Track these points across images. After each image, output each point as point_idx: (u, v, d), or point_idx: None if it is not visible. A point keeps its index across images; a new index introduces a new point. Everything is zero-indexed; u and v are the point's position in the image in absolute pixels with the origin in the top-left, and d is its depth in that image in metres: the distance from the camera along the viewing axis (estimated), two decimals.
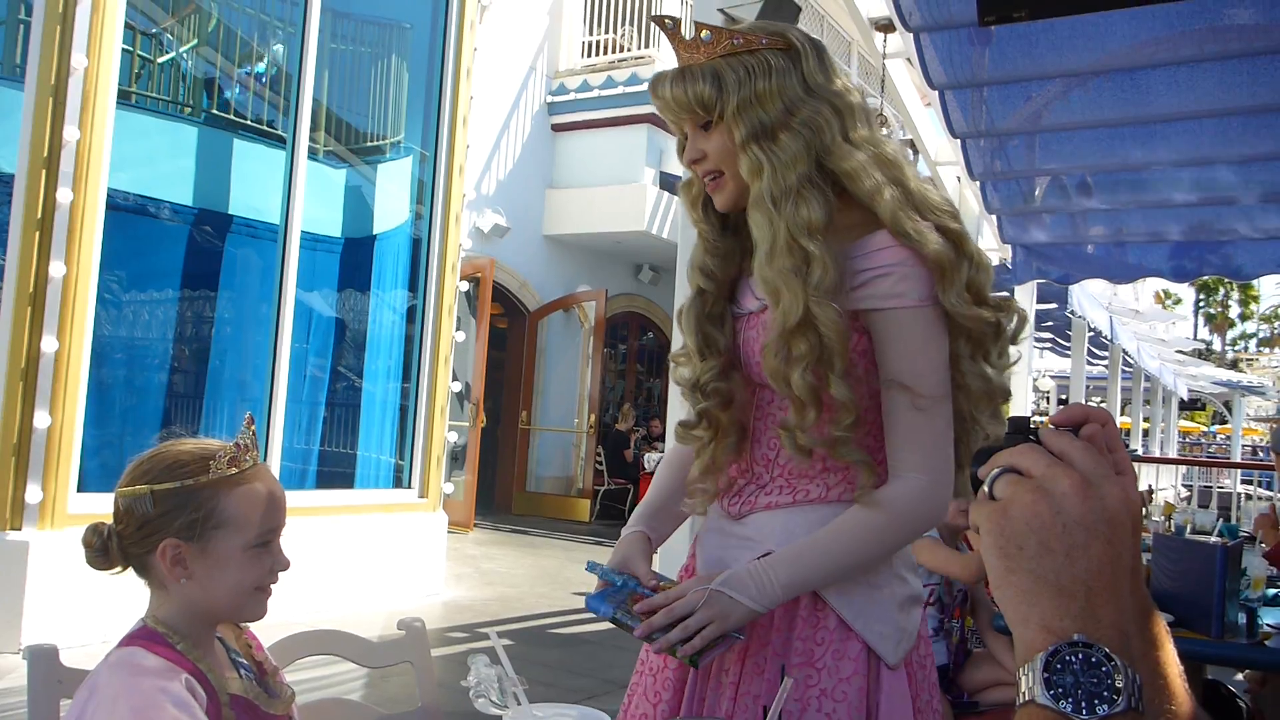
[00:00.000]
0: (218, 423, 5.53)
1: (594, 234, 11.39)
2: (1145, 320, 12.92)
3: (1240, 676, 4.11)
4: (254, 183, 5.82)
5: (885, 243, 1.34)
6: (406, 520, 6.20)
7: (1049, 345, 14.05)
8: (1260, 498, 12.48)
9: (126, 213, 5.09)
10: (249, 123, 5.94)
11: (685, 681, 1.45)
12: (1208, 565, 2.65)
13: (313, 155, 5.92)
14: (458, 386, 7.19)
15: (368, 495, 6.19)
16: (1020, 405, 7.01)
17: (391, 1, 6.86)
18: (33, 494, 4.41)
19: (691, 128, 1.42)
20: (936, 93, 4.10)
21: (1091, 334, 10.52)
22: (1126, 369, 14.78)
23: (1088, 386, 14.43)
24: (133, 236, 5.17)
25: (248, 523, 1.23)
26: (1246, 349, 44.48)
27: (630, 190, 10.98)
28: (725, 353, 1.46)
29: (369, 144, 6.69)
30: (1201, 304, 43.74)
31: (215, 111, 5.99)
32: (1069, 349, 11.80)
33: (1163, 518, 4.72)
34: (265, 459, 5.01)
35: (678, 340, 1.64)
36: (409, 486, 6.40)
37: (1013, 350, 1.44)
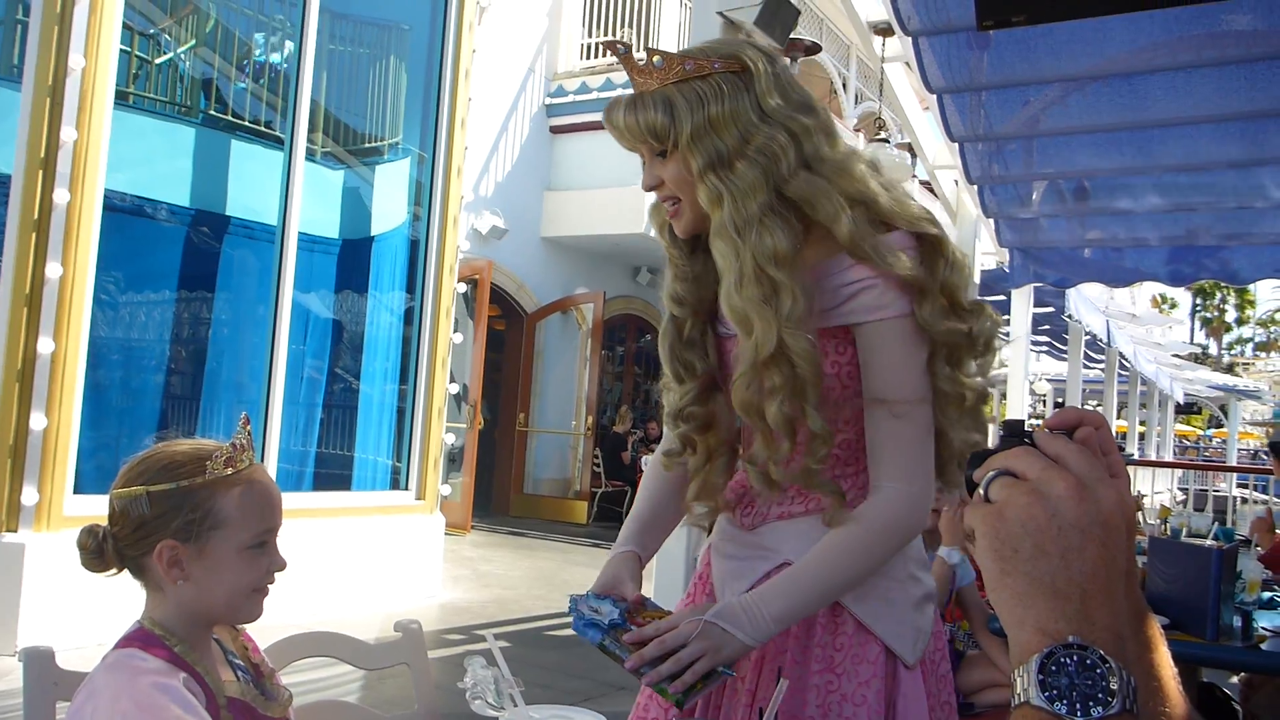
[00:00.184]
0: (215, 424, 5.52)
1: (592, 236, 11.38)
2: (1142, 324, 12.94)
3: (1235, 680, 4.12)
4: (251, 184, 5.81)
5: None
6: (403, 522, 6.19)
7: (1046, 349, 14.07)
8: (1256, 501, 12.51)
9: (124, 214, 5.08)
10: (247, 124, 5.94)
11: None
12: (1203, 568, 2.66)
13: (310, 156, 5.91)
14: (455, 388, 7.18)
15: (365, 497, 6.18)
16: (1016, 408, 7.02)
17: (390, 3, 6.86)
18: (29, 496, 4.40)
19: (647, 155, 1.39)
20: (935, 97, 4.10)
21: (1088, 338, 10.54)
22: (1123, 373, 14.81)
23: (1084, 390, 14.44)
24: (130, 237, 5.16)
25: (245, 523, 1.23)
26: (1243, 353, 44.56)
27: (628, 193, 10.97)
28: (703, 375, 1.45)
29: (367, 145, 6.69)
30: (1198, 308, 43.80)
31: (213, 112, 5.98)
32: (1066, 352, 11.82)
33: (1159, 521, 4.72)
34: (262, 460, 4.98)
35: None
36: (406, 488, 6.39)
37: (989, 357, 1.42)
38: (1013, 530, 0.62)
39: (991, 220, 5.55)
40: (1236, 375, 30.54)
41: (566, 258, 11.90)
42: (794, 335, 1.28)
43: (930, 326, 1.32)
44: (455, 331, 6.75)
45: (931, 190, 5.95)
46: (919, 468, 1.34)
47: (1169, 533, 4.11)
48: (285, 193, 5.70)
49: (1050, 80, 3.86)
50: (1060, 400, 17.51)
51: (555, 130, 11.59)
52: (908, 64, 4.06)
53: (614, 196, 11.04)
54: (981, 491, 0.66)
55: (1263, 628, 2.79)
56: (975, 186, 5.07)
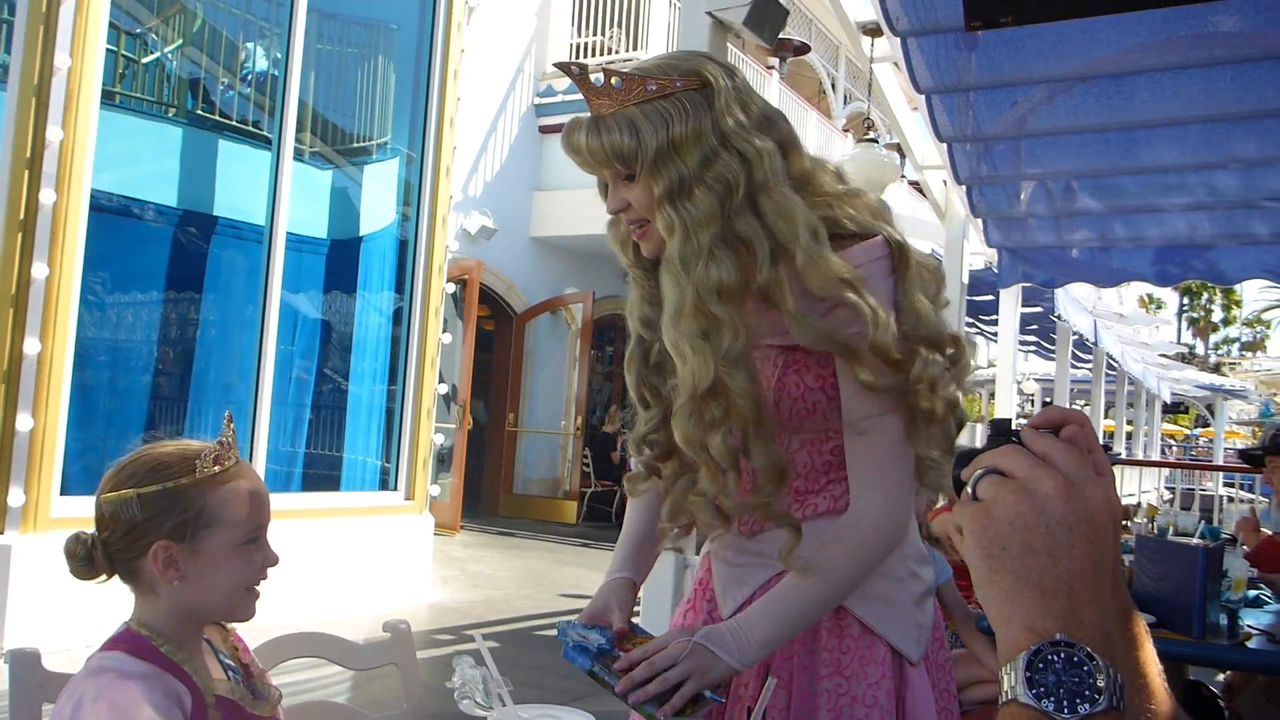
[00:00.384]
0: (202, 425, 5.50)
1: (581, 236, 11.37)
2: (1129, 324, 13.00)
3: (1221, 678, 4.14)
4: (239, 184, 5.79)
5: None
6: (393, 523, 6.18)
7: (1034, 349, 14.13)
8: (1242, 500, 12.59)
9: (110, 214, 5.06)
10: (234, 123, 5.92)
11: None
12: (1189, 567, 2.67)
13: (298, 156, 5.89)
14: (444, 389, 7.17)
15: (354, 498, 6.17)
16: (1004, 408, 7.05)
17: (378, 2, 6.85)
18: (15, 497, 4.38)
19: (612, 179, 1.34)
20: (923, 97, 4.11)
21: (1076, 337, 10.58)
22: (1110, 372, 14.88)
23: (1072, 390, 14.51)
24: (117, 238, 5.14)
25: (237, 520, 1.23)
26: (1229, 353, 44.80)
27: None
28: (667, 402, 1.41)
29: (355, 145, 6.67)
30: (1185, 308, 44.03)
31: (200, 112, 5.96)
32: (1053, 352, 11.87)
33: (1145, 519, 4.74)
34: (250, 461, 4.98)
35: None
36: (395, 489, 6.38)
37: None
38: (1000, 528, 0.62)
39: (980, 220, 5.57)
40: (1223, 375, 30.70)
41: (555, 258, 11.89)
42: (731, 373, 1.25)
43: (873, 386, 1.28)
44: (444, 332, 6.74)
45: (920, 190, 5.96)
46: (895, 477, 1.33)
47: (1156, 531, 4.13)
48: (273, 193, 5.68)
49: (1038, 81, 3.88)
50: (1048, 400, 17.58)
51: (544, 130, 11.58)
52: (896, 64, 4.07)
53: None
54: (969, 490, 0.66)
55: (1248, 626, 2.80)
56: (963, 187, 5.09)
